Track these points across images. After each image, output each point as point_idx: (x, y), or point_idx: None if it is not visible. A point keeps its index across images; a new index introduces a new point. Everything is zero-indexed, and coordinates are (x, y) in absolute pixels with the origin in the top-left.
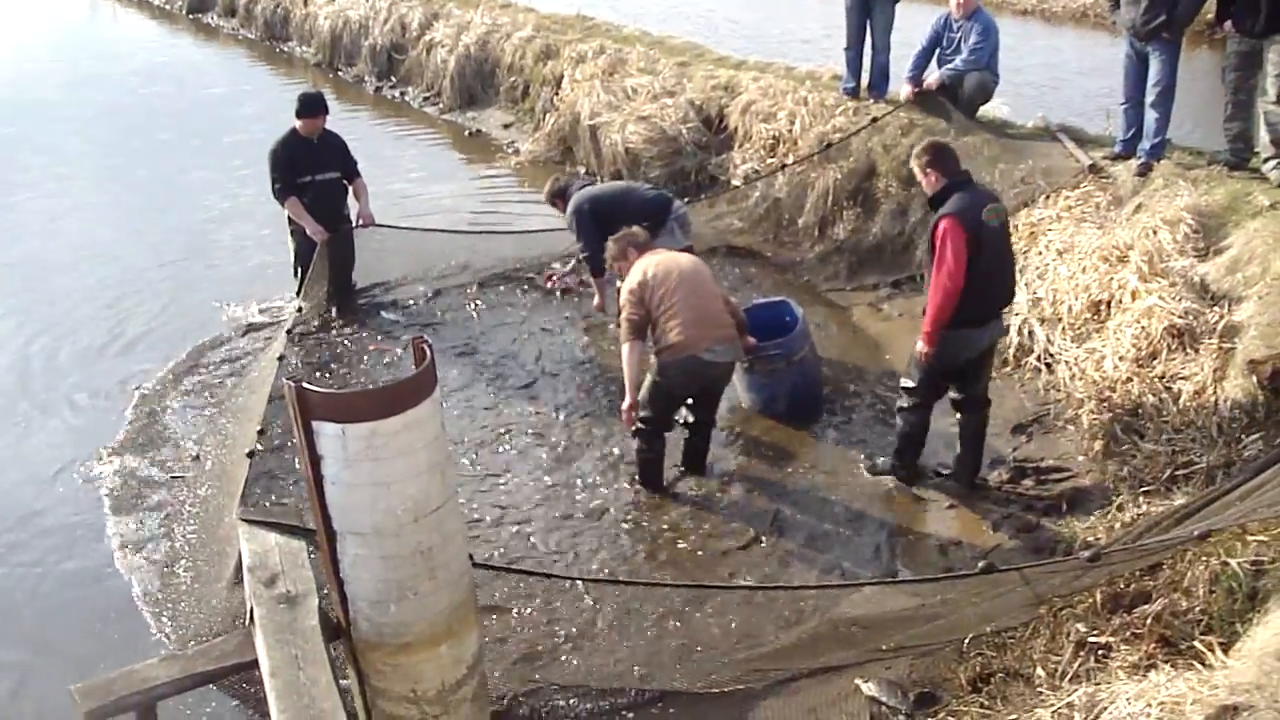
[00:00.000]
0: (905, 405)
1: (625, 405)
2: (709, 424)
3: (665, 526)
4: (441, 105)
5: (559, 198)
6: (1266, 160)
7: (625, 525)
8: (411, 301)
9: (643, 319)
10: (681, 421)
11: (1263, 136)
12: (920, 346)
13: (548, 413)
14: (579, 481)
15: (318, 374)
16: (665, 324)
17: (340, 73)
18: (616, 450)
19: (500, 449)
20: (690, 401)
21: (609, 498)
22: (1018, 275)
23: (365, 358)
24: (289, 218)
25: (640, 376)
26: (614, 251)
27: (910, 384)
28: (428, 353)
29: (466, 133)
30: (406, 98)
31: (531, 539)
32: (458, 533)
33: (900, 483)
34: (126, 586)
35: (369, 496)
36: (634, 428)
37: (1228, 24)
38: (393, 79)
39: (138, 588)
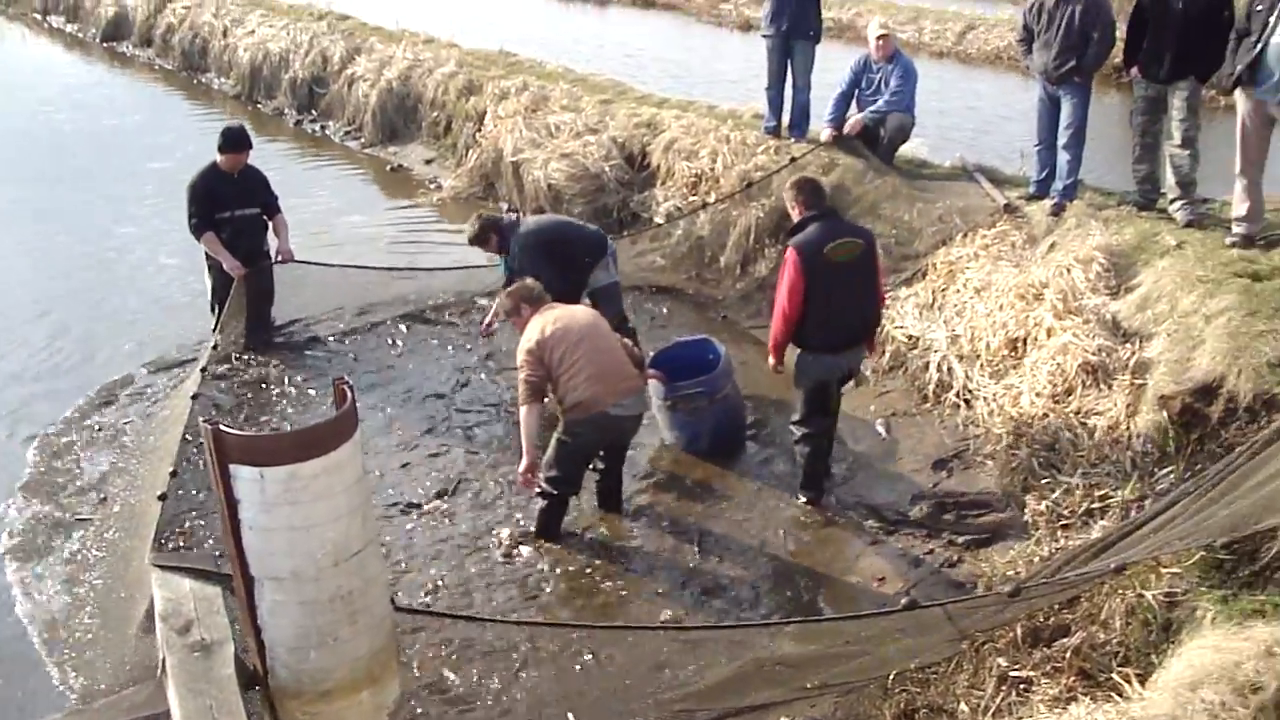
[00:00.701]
0: (798, 436)
1: (522, 468)
2: (618, 464)
3: (587, 567)
4: (363, 140)
5: (492, 230)
6: (1172, 201)
7: (544, 568)
8: (331, 338)
9: (542, 380)
10: (590, 467)
11: (1168, 178)
12: (770, 362)
13: (465, 451)
14: (494, 520)
15: (233, 413)
16: (568, 382)
17: (259, 105)
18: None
19: (417, 488)
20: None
21: (528, 539)
22: (876, 309)
23: (285, 397)
24: (206, 253)
25: (539, 438)
26: (506, 306)
27: (797, 416)
28: (349, 394)
29: (388, 167)
30: (327, 131)
31: (447, 581)
32: (379, 576)
33: (819, 511)
34: (27, 636)
35: (287, 541)
36: (538, 489)
37: (1134, 69)
38: (313, 112)
39: (40, 637)
